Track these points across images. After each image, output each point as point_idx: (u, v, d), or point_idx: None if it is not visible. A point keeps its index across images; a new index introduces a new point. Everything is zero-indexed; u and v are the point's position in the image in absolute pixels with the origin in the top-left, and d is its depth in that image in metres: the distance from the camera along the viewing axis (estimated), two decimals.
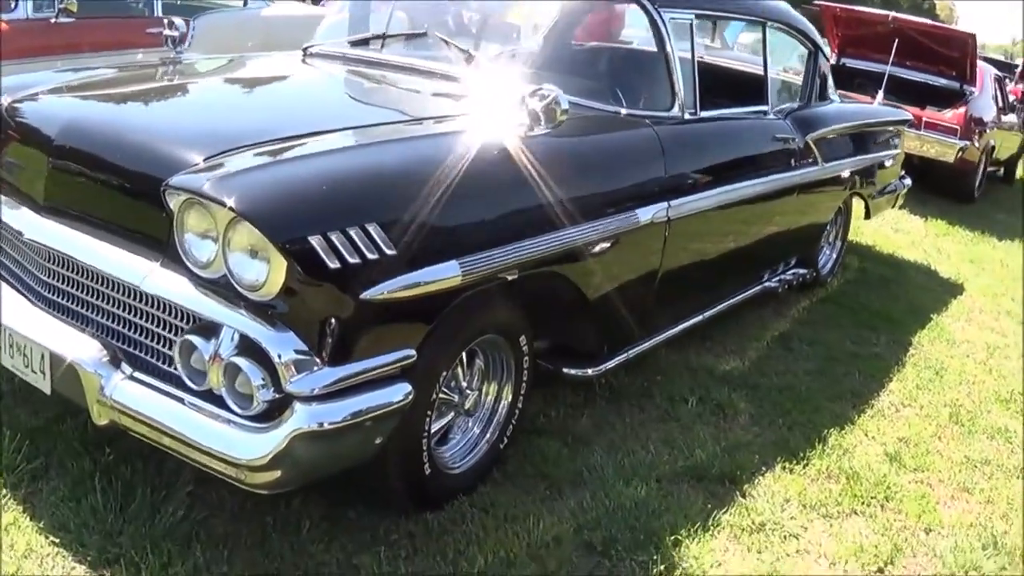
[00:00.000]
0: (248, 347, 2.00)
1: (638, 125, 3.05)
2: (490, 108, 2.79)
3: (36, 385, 2.36)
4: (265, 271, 1.94)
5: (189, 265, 2.06)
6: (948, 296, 5.57)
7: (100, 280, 2.25)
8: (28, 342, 2.30)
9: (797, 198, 4.12)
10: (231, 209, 1.93)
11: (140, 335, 2.21)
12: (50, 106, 2.61)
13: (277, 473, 2.00)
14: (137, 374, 2.18)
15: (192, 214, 2.03)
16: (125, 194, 2.27)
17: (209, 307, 2.02)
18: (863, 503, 2.97)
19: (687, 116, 3.19)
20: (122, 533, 2.31)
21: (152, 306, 2.16)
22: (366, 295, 2.02)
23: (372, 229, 2.03)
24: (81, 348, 2.22)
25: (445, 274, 2.19)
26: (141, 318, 2.19)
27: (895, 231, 7.12)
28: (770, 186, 3.82)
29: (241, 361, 1.97)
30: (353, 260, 1.97)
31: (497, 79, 3.10)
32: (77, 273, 2.30)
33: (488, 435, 2.66)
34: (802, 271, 4.70)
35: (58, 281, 2.35)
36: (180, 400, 2.09)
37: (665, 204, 3.08)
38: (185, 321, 2.13)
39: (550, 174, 2.48)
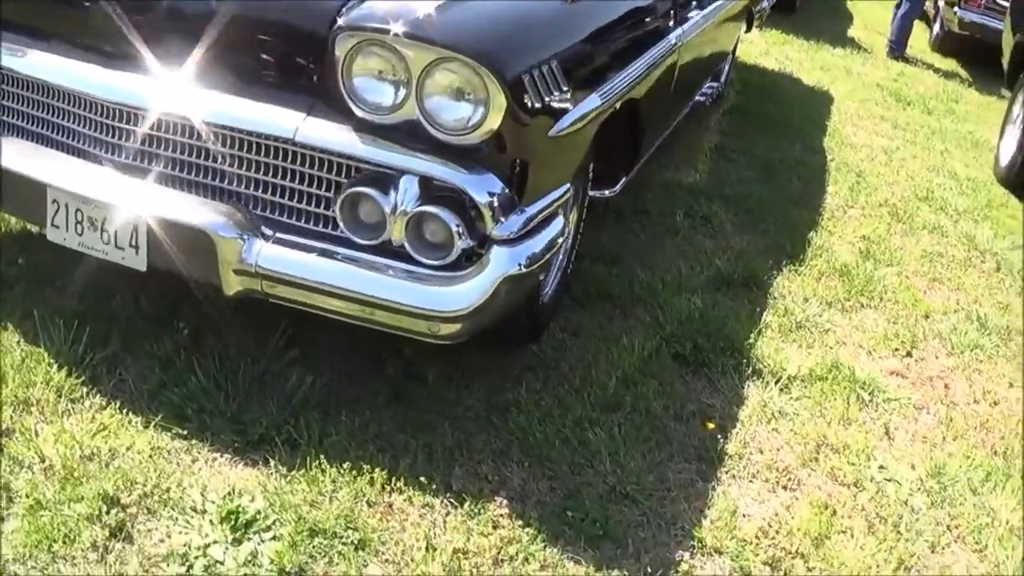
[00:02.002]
0: (434, 194, 1.94)
1: None
2: None
3: (123, 263, 2.16)
4: (479, 111, 1.88)
5: (360, 111, 1.93)
6: (825, 103, 6.14)
7: (226, 139, 2.04)
8: (113, 213, 2.09)
9: (728, 18, 4.39)
10: (444, 48, 1.82)
11: (277, 195, 2.06)
12: None
13: (468, 322, 2.00)
14: (281, 235, 2.04)
15: (369, 56, 1.89)
16: (252, 39, 2.04)
17: (388, 154, 1.93)
18: (866, 297, 3.40)
19: None
20: (250, 411, 2.21)
21: (297, 162, 2.02)
22: (552, 132, 2.01)
23: (554, 66, 2.00)
24: (201, 214, 2.03)
25: (592, 105, 2.21)
26: (279, 176, 2.04)
27: (741, 42, 7.58)
28: (720, 10, 4.07)
29: (434, 209, 1.92)
30: (547, 98, 1.96)
31: None
32: (185, 135, 2.07)
33: (562, 262, 2.76)
34: (714, 84, 5.00)
35: (156, 146, 2.11)
36: (347, 258, 1.99)
37: (679, 30, 3.25)
38: (342, 174, 2.01)
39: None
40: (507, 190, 1.95)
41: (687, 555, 2.06)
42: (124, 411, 2.20)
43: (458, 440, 2.26)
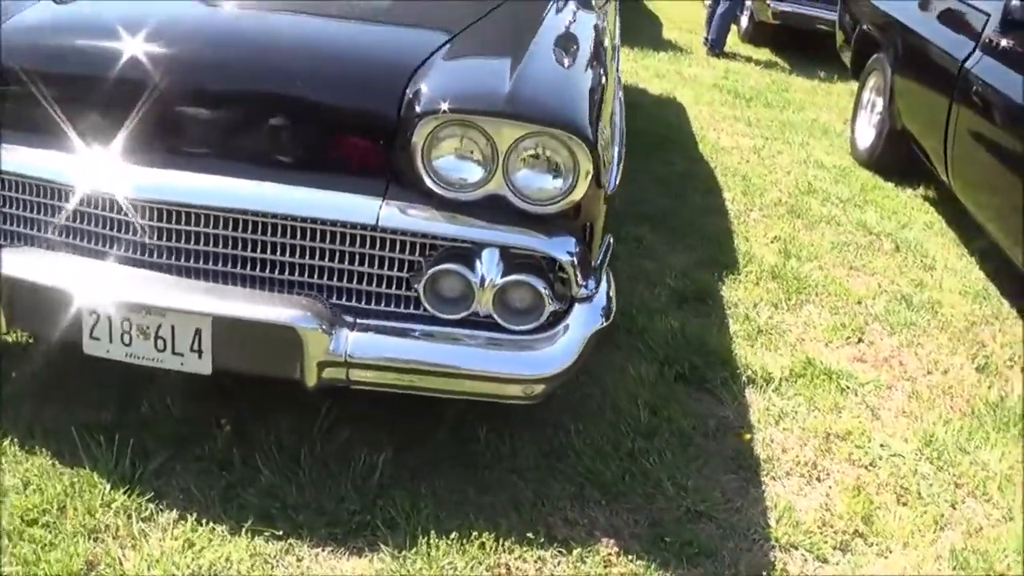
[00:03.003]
0: (516, 262, 2.17)
1: None
2: None
3: (181, 369, 2.23)
4: (568, 181, 2.10)
5: (442, 190, 2.12)
6: (679, 111, 6.75)
7: (296, 230, 2.17)
8: (171, 318, 2.16)
9: None
10: (533, 122, 2.05)
11: (353, 281, 2.21)
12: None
13: (560, 380, 2.25)
14: (362, 321, 2.20)
15: (451, 137, 2.08)
16: (314, 126, 2.19)
17: (475, 230, 2.13)
18: (803, 294, 3.90)
19: None
20: (330, 498, 2.36)
21: (376, 246, 2.18)
22: (609, 189, 2.30)
23: (604, 125, 2.28)
24: (281, 309, 2.16)
25: (620, 156, 2.53)
26: (355, 262, 2.20)
27: None
28: None
29: (524, 277, 2.15)
30: (606, 157, 2.23)
31: None
32: (248, 230, 2.18)
33: None
34: None
35: (215, 244, 2.20)
36: (437, 335, 2.19)
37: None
38: (417, 252, 2.19)
39: None
40: (583, 250, 2.21)
41: (772, 555, 2.40)
42: (204, 522, 2.27)
43: (535, 491, 2.49)
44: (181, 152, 2.21)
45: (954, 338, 3.69)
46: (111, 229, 2.26)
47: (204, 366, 2.21)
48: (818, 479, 2.75)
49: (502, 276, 2.16)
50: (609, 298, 2.34)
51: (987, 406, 3.20)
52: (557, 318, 2.23)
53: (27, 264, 2.26)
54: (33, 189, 2.29)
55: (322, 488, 2.39)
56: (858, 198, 5.21)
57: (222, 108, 2.23)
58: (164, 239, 2.23)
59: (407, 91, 2.14)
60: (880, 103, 5.58)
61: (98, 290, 2.20)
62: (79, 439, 2.41)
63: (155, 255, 2.25)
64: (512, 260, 2.18)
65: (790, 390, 3.18)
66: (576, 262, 2.18)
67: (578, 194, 2.13)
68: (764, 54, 9.54)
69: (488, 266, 2.16)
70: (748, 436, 2.86)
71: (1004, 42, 3.98)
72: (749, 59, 9.18)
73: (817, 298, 3.90)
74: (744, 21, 9.95)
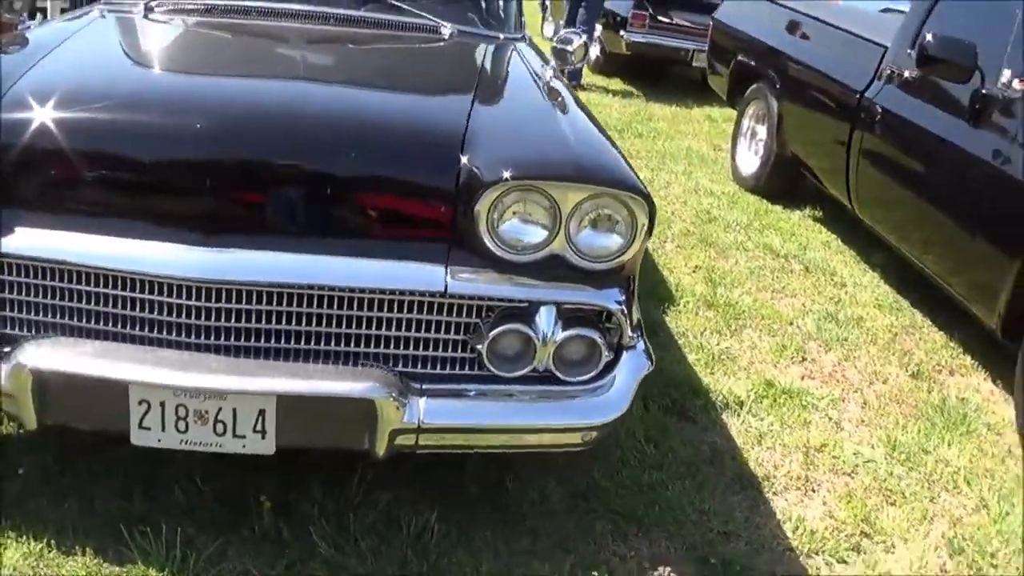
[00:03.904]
0: (568, 316, 2.43)
1: None
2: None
3: (242, 451, 2.30)
4: (627, 238, 2.37)
5: (504, 254, 2.35)
6: None
7: (363, 302, 2.33)
8: (233, 401, 2.24)
9: None
10: (595, 184, 2.30)
11: (420, 348, 2.40)
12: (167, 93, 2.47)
13: (615, 424, 2.52)
14: (428, 386, 2.40)
15: (514, 203, 2.32)
16: (370, 200, 2.37)
17: (539, 291, 2.36)
18: (740, 320, 4.34)
19: None
20: (390, 563, 2.54)
21: (443, 312, 2.37)
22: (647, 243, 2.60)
23: None
24: (353, 382, 2.32)
25: None
26: (420, 329, 2.38)
27: None
28: None
29: (582, 331, 2.41)
30: None
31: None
32: (310, 304, 2.32)
33: None
34: None
35: (274, 322, 2.33)
36: (502, 394, 2.42)
37: None
38: (474, 314, 2.41)
39: None
40: (629, 300, 2.50)
41: (800, 562, 2.75)
42: None
43: (578, 532, 2.75)
44: (235, 231, 2.30)
45: (883, 349, 4.21)
46: (159, 313, 2.30)
47: (268, 446, 2.31)
48: (813, 490, 3.13)
49: (562, 331, 2.40)
50: (647, 344, 2.62)
51: (933, 409, 3.71)
52: (608, 367, 2.49)
53: (59, 354, 2.27)
54: (70, 276, 2.30)
55: (381, 554, 2.55)
56: (756, 223, 5.75)
57: (271, 185, 2.35)
58: (220, 319, 2.30)
59: (461, 161, 2.36)
60: (761, 130, 6.19)
61: (150, 378, 2.25)
62: (129, 535, 2.47)
63: (207, 336, 2.31)
64: (566, 315, 2.43)
65: (760, 411, 3.57)
66: (625, 311, 2.46)
67: (635, 249, 2.40)
68: (618, 84, 10.17)
69: (547, 323, 2.39)
70: (750, 459, 3.22)
71: (908, 73, 4.58)
72: (606, 90, 9.77)
73: (753, 322, 4.34)
74: (594, 53, 10.57)
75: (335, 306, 2.33)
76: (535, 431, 2.44)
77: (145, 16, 3.21)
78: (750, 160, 6.34)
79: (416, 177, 2.39)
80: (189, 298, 2.28)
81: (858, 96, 4.89)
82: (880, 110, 4.68)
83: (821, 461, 3.30)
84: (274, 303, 2.30)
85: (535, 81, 3.16)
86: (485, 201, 2.29)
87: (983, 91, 3.91)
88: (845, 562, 2.80)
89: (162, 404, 2.25)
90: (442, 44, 3.41)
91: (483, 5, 3.93)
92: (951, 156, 4.05)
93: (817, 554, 2.81)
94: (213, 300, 2.28)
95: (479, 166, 2.33)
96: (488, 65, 3.31)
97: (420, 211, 2.41)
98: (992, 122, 3.86)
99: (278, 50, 3.18)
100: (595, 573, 2.58)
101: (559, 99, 2.96)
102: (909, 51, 4.62)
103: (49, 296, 2.32)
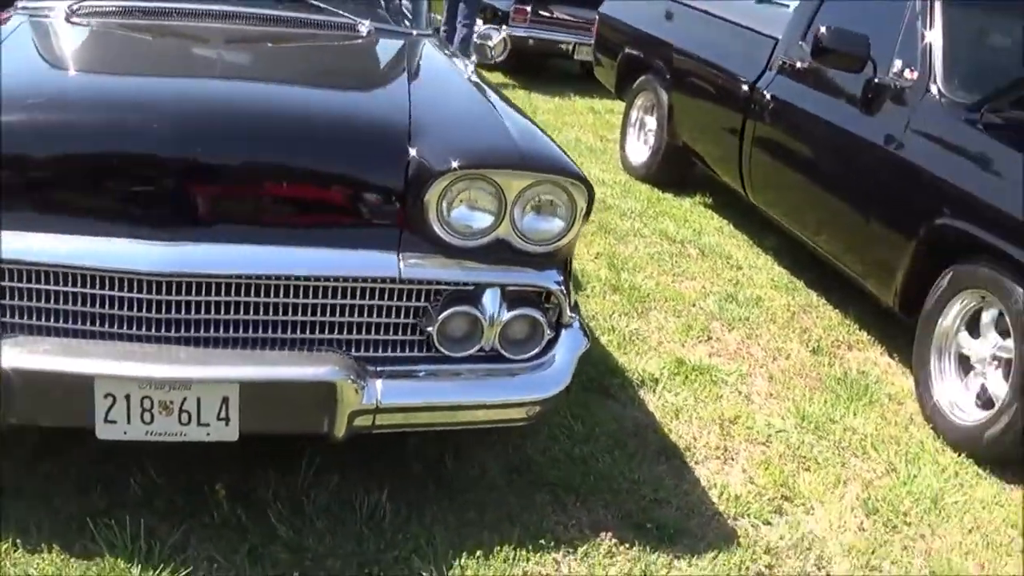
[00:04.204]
0: (512, 298, 2.61)
1: None
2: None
3: (206, 439, 2.39)
4: (567, 222, 2.56)
5: (453, 239, 2.50)
6: None
7: (319, 290, 2.45)
8: (197, 389, 2.33)
9: None
10: (539, 171, 2.49)
11: (373, 332, 2.54)
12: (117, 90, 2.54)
13: (557, 400, 2.71)
14: (382, 368, 2.54)
15: (462, 191, 2.48)
16: (322, 193, 2.51)
17: (487, 274, 2.52)
18: (645, 302, 4.61)
19: None
20: (355, 539, 2.68)
21: (394, 297, 2.52)
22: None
23: None
24: (313, 367, 2.44)
25: None
26: (373, 314, 2.52)
27: None
28: None
29: (527, 311, 2.60)
30: None
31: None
32: (266, 294, 2.43)
33: None
34: None
35: (234, 312, 2.42)
36: (453, 373, 2.59)
37: None
38: (424, 298, 2.56)
39: None
40: (567, 280, 2.69)
41: (728, 524, 3.00)
42: None
43: (520, 503, 2.92)
44: (195, 225, 2.40)
45: (783, 327, 4.54)
46: (119, 308, 2.37)
47: (231, 433, 2.41)
48: (732, 459, 3.40)
49: (507, 312, 2.58)
50: (583, 323, 2.82)
51: (835, 381, 4.04)
52: (549, 344, 2.68)
53: (25, 352, 2.31)
54: (29, 275, 2.34)
55: (337, 534, 2.67)
56: (650, 210, 6.04)
57: (229, 180, 2.46)
58: (180, 312, 2.39)
59: (410, 153, 2.51)
60: (650, 121, 6.49)
61: (117, 370, 2.33)
62: (92, 525, 2.52)
63: (168, 328, 2.40)
64: (510, 296, 2.60)
65: (674, 387, 3.82)
66: (564, 291, 2.66)
67: (574, 232, 2.60)
68: (499, 78, 10.34)
69: (493, 304, 2.57)
70: (671, 431, 3.46)
71: (801, 64, 4.93)
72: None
73: (658, 305, 4.61)
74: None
75: (292, 295, 2.45)
76: (483, 407, 2.62)
77: (68, 20, 3.20)
78: (640, 150, 6.63)
79: (367, 169, 2.54)
80: (149, 292, 2.36)
81: (750, 86, 5.22)
82: (773, 100, 5.02)
83: (736, 432, 3.56)
84: (233, 294, 2.41)
85: (459, 75, 3.32)
86: (435, 190, 2.45)
87: (876, 80, 4.25)
88: (769, 523, 3.06)
89: (127, 397, 2.32)
90: (362, 41, 3.52)
91: (395, 2, 4.06)
92: (846, 143, 4.40)
93: (743, 516, 3.07)
94: (173, 293, 2.37)
95: (427, 157, 2.48)
96: (413, 60, 3.45)
97: (371, 201, 2.56)
98: (885, 109, 4.22)
99: (215, 50, 3.24)
100: (542, 541, 2.75)
101: (487, 92, 3.13)
102: (801, 43, 4.97)
103: (8, 297, 2.36)
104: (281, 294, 2.44)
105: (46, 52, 3.05)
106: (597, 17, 7.41)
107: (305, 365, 2.45)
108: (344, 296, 2.48)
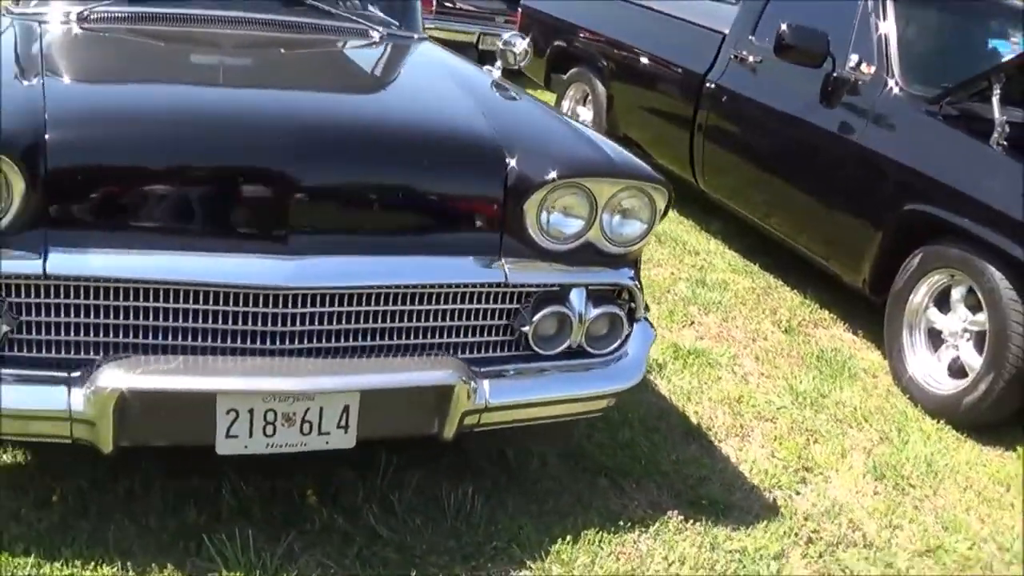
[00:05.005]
0: (596, 296, 2.85)
1: None
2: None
3: (325, 448, 2.53)
4: (645, 223, 2.80)
5: (548, 244, 2.71)
6: None
7: (430, 297, 2.63)
8: (321, 400, 2.46)
9: None
10: (625, 178, 2.73)
11: (477, 335, 2.73)
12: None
13: (628, 391, 2.98)
14: (486, 369, 2.75)
15: (558, 199, 2.69)
16: (428, 206, 2.70)
17: (581, 276, 2.75)
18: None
19: None
20: (453, 535, 2.87)
21: (497, 300, 2.73)
22: None
23: None
24: (432, 372, 2.62)
25: None
26: (477, 317, 2.73)
27: None
28: None
29: (610, 308, 2.84)
30: None
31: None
32: (378, 302, 2.57)
33: None
34: None
35: (347, 322, 2.56)
36: (550, 369, 2.81)
37: None
38: (515, 300, 2.77)
39: None
40: (639, 277, 2.96)
41: (767, 495, 3.34)
42: None
43: (588, 489, 3.18)
44: (313, 239, 2.51)
45: (753, 309, 4.93)
46: (240, 323, 2.46)
47: (349, 440, 2.55)
48: (748, 436, 3.74)
49: (593, 309, 2.81)
50: (648, 317, 3.09)
51: (815, 359, 4.44)
52: (625, 338, 2.94)
53: (143, 373, 2.37)
54: (137, 294, 2.39)
55: (435, 530, 2.85)
56: None
57: (347, 195, 2.60)
58: (301, 324, 2.50)
59: (509, 164, 2.71)
60: (584, 112, 6.78)
61: (242, 386, 2.44)
62: (210, 544, 2.61)
63: (289, 341, 2.50)
64: (593, 295, 2.84)
65: (678, 371, 4.14)
66: (639, 287, 2.92)
67: (652, 232, 2.86)
68: None
69: (580, 303, 2.79)
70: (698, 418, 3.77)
71: (753, 57, 5.31)
72: None
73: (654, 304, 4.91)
74: None
75: (407, 302, 2.61)
76: (572, 401, 2.84)
77: (83, 27, 3.24)
78: None
79: (472, 180, 2.74)
80: (275, 306, 2.47)
81: (700, 79, 5.57)
82: (725, 92, 5.38)
83: (744, 411, 3.91)
84: (355, 304, 2.55)
85: (502, 84, 3.51)
86: (535, 198, 2.66)
87: (835, 74, 4.66)
88: (799, 493, 3.41)
89: (251, 411, 2.43)
90: (382, 47, 3.67)
91: (391, 5, 4.18)
92: (806, 134, 4.79)
93: (776, 488, 3.40)
94: (298, 306, 2.49)
95: (525, 167, 2.69)
96: (447, 67, 3.62)
97: (474, 210, 2.74)
98: (846, 102, 4.63)
99: (261, 59, 3.36)
100: (620, 522, 3.01)
101: (536, 100, 3.34)
102: (751, 37, 5.35)
103: (123, 316, 2.42)
104: (398, 302, 2.60)
105: (93, 62, 3.09)
106: (520, 10, 7.63)
107: (425, 370, 2.61)
108: (453, 301, 2.66)
